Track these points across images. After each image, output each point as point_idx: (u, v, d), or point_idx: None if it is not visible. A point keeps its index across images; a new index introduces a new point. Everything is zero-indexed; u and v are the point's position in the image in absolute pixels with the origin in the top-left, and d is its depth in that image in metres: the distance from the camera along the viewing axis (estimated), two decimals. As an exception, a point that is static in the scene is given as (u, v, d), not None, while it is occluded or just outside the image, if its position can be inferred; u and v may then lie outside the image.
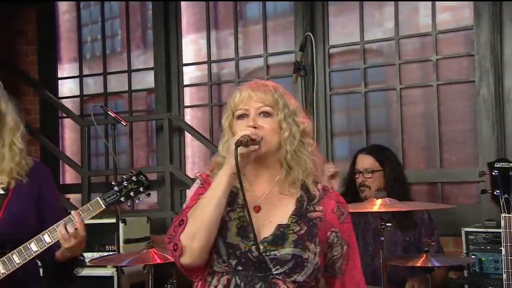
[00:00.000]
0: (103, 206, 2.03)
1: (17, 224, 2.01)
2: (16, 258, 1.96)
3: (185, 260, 1.56)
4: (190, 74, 4.62)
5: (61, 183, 4.98)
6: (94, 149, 4.90)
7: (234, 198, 1.63)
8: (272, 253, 1.57)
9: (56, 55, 5.07)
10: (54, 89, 4.98)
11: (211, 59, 4.49)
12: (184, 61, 4.57)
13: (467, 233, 3.15)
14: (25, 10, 4.93)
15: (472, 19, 3.70)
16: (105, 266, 3.47)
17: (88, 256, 2.84)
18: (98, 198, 2.04)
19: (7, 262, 1.96)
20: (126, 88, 4.78)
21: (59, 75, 5.07)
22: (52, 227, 1.98)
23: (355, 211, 2.80)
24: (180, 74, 4.55)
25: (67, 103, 4.92)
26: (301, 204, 1.64)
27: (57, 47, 5.09)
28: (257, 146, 1.57)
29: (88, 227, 2.03)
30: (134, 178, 2.06)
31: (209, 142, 4.31)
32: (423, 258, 2.57)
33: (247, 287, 1.57)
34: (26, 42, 4.97)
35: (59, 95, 5.01)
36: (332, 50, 4.12)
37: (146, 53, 4.82)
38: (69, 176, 5.04)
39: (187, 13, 4.65)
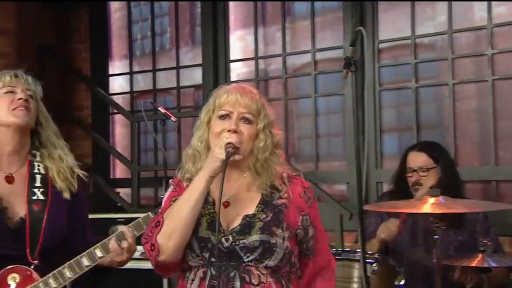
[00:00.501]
0: None
1: (58, 232, 1.96)
2: (68, 273, 1.91)
3: (161, 258, 1.64)
4: (237, 71, 4.61)
5: (111, 177, 5.06)
6: (143, 144, 4.95)
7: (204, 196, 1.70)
8: (241, 242, 1.66)
9: (108, 53, 5.16)
10: (106, 85, 5.07)
11: (259, 55, 4.46)
12: (232, 58, 4.56)
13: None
14: (78, 9, 5.04)
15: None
16: (146, 259, 3.47)
17: (138, 249, 2.85)
18: (150, 214, 2.00)
19: (58, 276, 1.91)
20: (175, 85, 4.81)
21: (110, 72, 5.16)
22: (103, 241, 1.95)
23: (408, 211, 2.74)
24: (227, 71, 4.55)
25: (117, 99, 4.99)
26: (267, 194, 1.72)
27: (109, 44, 5.18)
28: (241, 156, 1.65)
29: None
30: None
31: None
32: (479, 258, 2.44)
33: (222, 276, 1.65)
34: (79, 40, 5.08)
35: (110, 92, 5.09)
36: (381, 45, 4.02)
37: (194, 50, 4.84)
38: (119, 170, 5.11)
39: (235, 10, 4.63)
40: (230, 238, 1.67)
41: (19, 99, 1.93)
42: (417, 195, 2.83)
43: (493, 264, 2.41)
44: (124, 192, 4.77)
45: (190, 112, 4.78)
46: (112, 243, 1.94)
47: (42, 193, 1.95)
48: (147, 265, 3.45)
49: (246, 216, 1.70)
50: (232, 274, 1.65)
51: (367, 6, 4.00)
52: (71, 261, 1.92)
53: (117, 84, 5.16)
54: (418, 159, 2.95)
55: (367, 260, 2.29)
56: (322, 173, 4.18)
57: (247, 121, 1.71)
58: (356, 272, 2.44)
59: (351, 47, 2.44)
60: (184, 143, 4.79)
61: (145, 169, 4.63)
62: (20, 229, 1.88)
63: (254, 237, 1.66)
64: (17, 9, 4.33)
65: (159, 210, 1.77)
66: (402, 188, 2.99)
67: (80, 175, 2.05)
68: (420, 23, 3.90)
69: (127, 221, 2.15)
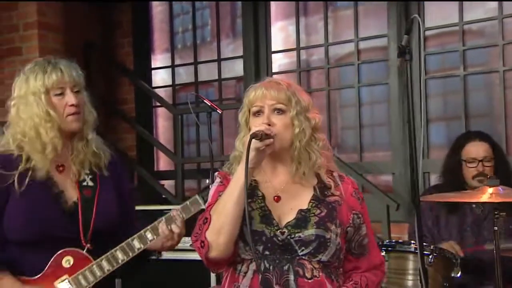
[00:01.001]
0: (202, 204, 1.97)
1: (109, 217, 2.00)
2: (120, 255, 1.95)
3: (212, 255, 1.64)
4: (279, 62, 4.59)
5: (155, 169, 5.10)
6: (186, 136, 4.95)
7: (253, 191, 1.74)
8: (296, 235, 1.67)
9: (150, 46, 5.18)
10: (148, 79, 5.09)
11: (300, 46, 4.42)
12: (273, 49, 4.53)
13: None
14: (121, 3, 5.07)
15: None
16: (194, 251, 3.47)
17: (186, 240, 2.84)
18: (197, 196, 1.99)
19: (111, 259, 1.95)
20: (216, 77, 4.80)
21: (153, 66, 5.18)
22: (153, 224, 1.97)
23: (467, 201, 2.64)
24: (269, 62, 4.52)
25: (160, 92, 5.01)
26: (319, 191, 1.74)
27: (151, 38, 5.20)
28: (271, 140, 1.64)
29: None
30: None
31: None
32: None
33: (276, 269, 1.65)
34: (122, 34, 5.12)
35: (153, 85, 5.12)
36: (428, 33, 3.93)
37: (235, 42, 4.83)
38: (163, 163, 5.15)
39: (276, 1, 4.58)
40: (286, 231, 1.68)
41: (71, 105, 1.94)
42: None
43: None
44: (168, 184, 4.81)
45: (232, 104, 4.76)
46: (161, 225, 1.95)
47: (91, 179, 2.01)
48: (195, 256, 3.50)
49: (301, 210, 1.71)
50: (286, 268, 1.66)
51: (412, -10, 3.91)
52: (123, 243, 1.95)
53: (159, 78, 5.19)
54: (481, 149, 2.85)
55: (424, 252, 2.22)
56: (366, 164, 4.13)
57: (280, 111, 1.72)
58: (411, 264, 2.39)
59: (405, 35, 2.36)
60: (226, 135, 4.79)
61: (189, 161, 4.65)
62: (74, 213, 1.95)
63: (310, 231, 1.67)
64: (64, 7, 4.39)
65: (206, 204, 1.77)
66: (455, 181, 2.90)
67: (106, 161, 2.05)
68: (468, 9, 3.78)
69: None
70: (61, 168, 2.00)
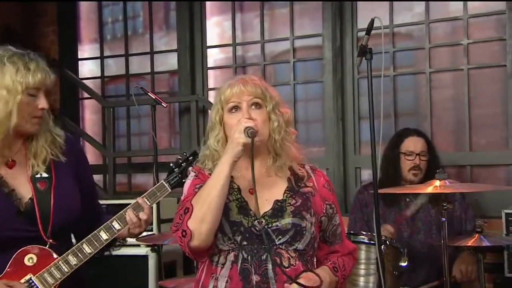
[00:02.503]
0: (169, 189, 2.02)
1: (68, 207, 1.96)
2: (87, 248, 1.94)
3: (195, 243, 1.72)
4: (214, 57, 4.70)
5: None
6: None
7: (229, 184, 1.79)
8: (273, 224, 1.78)
9: (76, 36, 5.14)
10: (75, 70, 5.05)
11: (236, 42, 4.56)
12: (209, 43, 4.65)
13: (507, 214, 3.26)
14: (46, -10, 5.00)
15: (504, 4, 3.83)
16: (139, 246, 3.57)
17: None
18: (163, 181, 2.03)
19: (78, 253, 1.93)
20: (149, 70, 4.85)
21: (80, 56, 5.14)
22: (119, 213, 1.99)
23: (419, 192, 2.91)
24: (204, 56, 4.63)
25: (88, 84, 4.98)
26: (293, 182, 1.85)
27: (78, 27, 5.16)
28: (261, 138, 1.76)
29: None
30: (191, 158, 2.07)
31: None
32: (475, 238, 2.66)
33: (254, 259, 1.75)
34: (46, 23, 5.04)
35: (80, 76, 5.08)
36: (360, 34, 4.19)
37: (169, 35, 4.89)
38: (89, 156, 5.07)
39: (212, -5, 4.71)
40: (263, 221, 1.78)
41: (41, 108, 1.89)
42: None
43: (488, 244, 2.63)
44: (96, 178, 4.78)
45: (165, 98, 4.85)
46: (129, 214, 1.97)
47: (45, 170, 1.94)
48: (134, 251, 3.58)
49: (277, 201, 1.82)
50: (264, 257, 1.75)
51: (344, -9, 4.17)
52: (89, 236, 1.95)
53: (87, 69, 5.15)
54: (418, 144, 3.18)
55: (373, 242, 2.48)
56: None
57: (257, 105, 1.83)
58: (363, 254, 2.64)
59: (366, 36, 2.58)
60: (158, 129, 4.87)
61: (120, 155, 4.68)
62: (30, 210, 1.89)
63: (287, 220, 1.79)
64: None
65: (182, 197, 1.84)
66: (395, 174, 3.18)
67: (62, 144, 1.99)
68: (398, 12, 4.14)
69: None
70: (11, 164, 1.94)
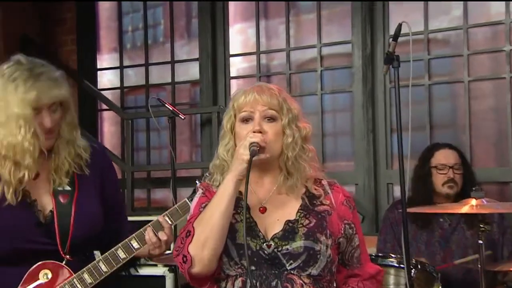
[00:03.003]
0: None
1: (89, 223, 1.94)
2: (103, 267, 1.92)
3: (196, 270, 1.63)
4: (237, 66, 4.60)
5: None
6: (134, 143, 4.87)
7: (236, 202, 1.69)
8: (284, 248, 1.66)
9: (96, 45, 5.09)
10: (93, 80, 4.99)
11: (260, 50, 4.45)
12: (231, 52, 4.54)
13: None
14: (64, -2, 4.96)
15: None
16: (156, 265, 3.45)
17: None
18: (186, 200, 1.99)
19: (93, 271, 1.91)
20: (169, 80, 4.77)
21: (99, 66, 5.08)
22: (139, 231, 1.96)
23: (452, 212, 2.75)
24: (226, 65, 4.53)
25: (106, 95, 4.92)
26: (307, 200, 1.74)
27: (97, 36, 5.11)
28: (267, 155, 1.66)
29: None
30: None
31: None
32: (515, 265, 2.47)
33: (263, 285, 1.64)
34: (65, 31, 5.00)
35: (99, 87, 5.02)
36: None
37: (190, 43, 4.81)
38: None
39: (235, 1, 4.61)
40: (272, 244, 1.67)
41: (47, 128, 1.84)
42: None
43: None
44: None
45: (186, 109, 4.76)
46: (148, 233, 1.93)
47: (68, 183, 1.92)
48: (151, 271, 3.46)
49: (288, 221, 1.71)
50: (273, 284, 1.64)
51: (375, -4, 4.03)
52: (106, 253, 1.92)
53: (106, 79, 5.10)
54: (451, 156, 3.02)
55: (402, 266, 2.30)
56: (328, 174, 3.94)
57: (271, 119, 1.72)
58: (392, 278, 2.46)
59: (393, 42, 2.46)
60: (179, 142, 4.76)
61: (140, 169, 4.58)
62: (50, 223, 1.88)
63: (299, 243, 1.67)
64: (-4, -3, 4.26)
65: (188, 216, 1.77)
66: (426, 191, 3.02)
67: (87, 157, 1.96)
68: (433, 17, 3.94)
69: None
70: (35, 175, 1.90)
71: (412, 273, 2.40)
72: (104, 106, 4.95)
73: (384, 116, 4.03)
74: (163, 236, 1.94)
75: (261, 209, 1.73)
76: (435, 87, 3.96)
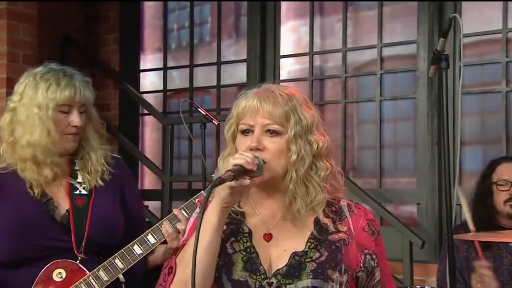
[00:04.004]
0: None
1: (106, 226, 2.02)
2: (119, 263, 1.96)
3: None
4: (288, 68, 4.52)
5: (139, 188, 4.91)
6: (177, 151, 4.82)
7: (237, 226, 1.58)
8: (288, 287, 1.50)
9: (139, 45, 5.06)
10: (136, 82, 4.96)
11: (314, 50, 4.33)
12: (282, 53, 4.45)
13: None
14: (108, -5, 4.96)
15: None
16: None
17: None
18: (203, 192, 2.01)
19: (109, 268, 1.96)
20: (215, 83, 4.69)
21: (141, 67, 5.06)
22: (155, 226, 1.99)
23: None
24: (276, 67, 4.45)
25: (149, 98, 4.87)
26: (317, 228, 1.56)
27: (141, 35, 5.09)
28: (248, 181, 1.47)
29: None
30: None
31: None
32: None
33: None
34: (108, 30, 4.98)
35: (141, 89, 4.99)
36: (465, 40, 3.78)
37: (238, 43, 4.74)
38: (148, 180, 4.99)
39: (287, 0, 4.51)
40: (274, 281, 1.51)
41: (74, 125, 2.00)
42: None
43: None
44: (153, 206, 4.62)
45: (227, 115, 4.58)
46: (164, 226, 1.96)
47: (85, 188, 2.03)
48: None
49: (295, 254, 1.53)
50: None
51: (447, -10, 3.83)
52: (122, 250, 1.97)
53: (149, 81, 5.08)
54: None
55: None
56: (387, 191, 4.01)
57: (274, 133, 1.53)
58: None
59: (442, 39, 2.27)
60: (222, 150, 4.61)
61: (178, 179, 4.47)
62: (65, 221, 1.98)
63: (305, 282, 1.50)
64: (40, -6, 4.27)
65: (180, 242, 1.67)
66: (485, 208, 2.84)
67: (110, 167, 2.09)
68: (513, 14, 3.68)
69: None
70: (53, 177, 2.02)
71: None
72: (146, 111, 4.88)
73: (453, 127, 3.75)
74: (180, 226, 1.95)
75: (266, 236, 1.56)
76: (514, 95, 3.71)
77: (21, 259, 1.93)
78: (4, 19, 3.98)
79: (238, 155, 1.46)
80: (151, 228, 1.98)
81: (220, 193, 1.46)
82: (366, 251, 1.57)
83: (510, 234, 2.40)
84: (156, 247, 2.00)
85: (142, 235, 1.97)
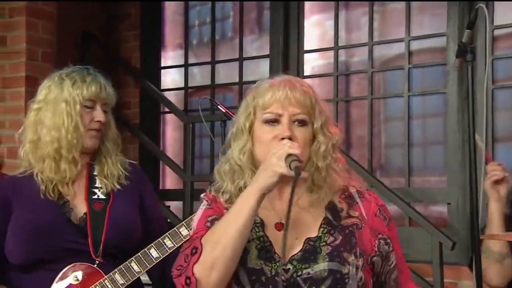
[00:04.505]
0: None
1: (124, 230, 2.06)
2: (136, 267, 2.00)
3: None
4: (312, 63, 4.49)
5: (160, 188, 4.92)
6: (198, 150, 4.84)
7: None
8: (304, 271, 1.54)
9: (160, 41, 5.08)
10: (157, 80, 4.99)
11: (339, 45, 4.31)
12: (306, 47, 4.44)
13: None
14: (128, -8, 4.99)
15: None
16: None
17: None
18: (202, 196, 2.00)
19: (125, 271, 1.99)
20: (237, 79, 4.69)
21: (163, 64, 5.08)
22: (172, 230, 2.00)
23: None
24: (300, 63, 4.43)
25: (170, 96, 4.90)
26: (331, 212, 1.63)
27: (162, 32, 5.10)
28: (306, 174, 1.53)
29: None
30: None
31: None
32: None
33: None
34: (128, 26, 5.02)
35: (162, 87, 5.02)
36: (497, 32, 3.75)
37: (261, 39, 4.73)
38: (170, 180, 5.00)
39: (312, -8, 4.51)
40: (290, 267, 1.55)
41: (98, 121, 2.07)
42: None
43: None
44: (175, 206, 4.65)
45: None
46: (183, 231, 1.98)
47: (103, 193, 2.08)
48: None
49: (309, 239, 1.58)
50: None
51: (478, -18, 3.72)
52: (138, 253, 2.00)
53: (170, 78, 5.09)
54: None
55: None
56: (416, 191, 3.97)
57: (302, 122, 1.60)
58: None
59: (468, 30, 2.23)
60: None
61: (199, 179, 4.47)
62: (82, 224, 2.02)
63: (322, 265, 1.54)
64: (60, -10, 4.31)
65: (192, 231, 1.66)
66: None
67: (127, 172, 2.14)
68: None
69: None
70: (71, 181, 2.08)
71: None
72: (167, 108, 4.88)
73: (485, 123, 3.67)
74: None
75: (278, 225, 1.60)
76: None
77: (36, 261, 1.97)
78: (23, 16, 4.03)
79: (290, 145, 1.50)
80: (168, 232, 2.00)
81: (267, 179, 1.49)
82: (380, 235, 1.62)
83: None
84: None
85: (159, 238, 2.01)
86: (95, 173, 2.11)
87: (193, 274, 1.49)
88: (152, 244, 2.00)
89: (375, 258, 1.61)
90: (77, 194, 2.08)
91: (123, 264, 1.99)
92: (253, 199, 1.50)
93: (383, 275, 1.65)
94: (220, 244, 1.49)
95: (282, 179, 1.50)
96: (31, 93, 2.22)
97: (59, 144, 2.02)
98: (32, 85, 3.81)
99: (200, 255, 1.50)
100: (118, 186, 2.09)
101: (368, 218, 1.64)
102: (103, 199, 2.07)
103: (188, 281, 1.50)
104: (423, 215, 3.60)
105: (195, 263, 1.50)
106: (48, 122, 2.03)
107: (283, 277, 1.54)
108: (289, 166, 1.47)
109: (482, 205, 3.02)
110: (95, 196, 2.07)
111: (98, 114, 2.06)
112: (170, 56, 5.10)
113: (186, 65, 4.92)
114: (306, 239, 1.58)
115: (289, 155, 1.48)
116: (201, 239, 1.54)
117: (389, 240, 1.64)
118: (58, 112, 2.02)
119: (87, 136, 2.06)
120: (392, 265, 1.65)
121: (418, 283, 3.32)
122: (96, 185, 2.09)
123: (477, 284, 2.03)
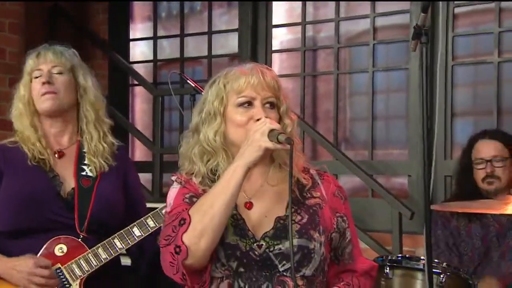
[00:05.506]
0: None
1: (109, 208, 2.18)
2: (118, 243, 2.12)
3: (189, 262, 1.62)
4: (280, 38, 4.56)
5: (129, 160, 5.02)
6: (168, 122, 4.92)
7: None
8: (276, 247, 1.67)
9: (128, 14, 5.12)
10: (125, 52, 5.04)
11: (306, 20, 4.39)
12: (274, 22, 4.51)
13: None
14: (95, -37, 5.00)
15: None
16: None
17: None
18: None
19: (108, 247, 2.11)
20: (206, 53, 4.76)
21: (131, 36, 5.12)
22: (155, 211, 2.14)
23: (487, 212, 2.67)
24: (268, 37, 4.50)
25: (139, 68, 4.96)
26: (298, 192, 1.75)
27: (130, 4, 5.14)
28: (289, 146, 1.62)
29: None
30: None
31: (301, 119, 4.17)
32: None
33: None
34: (97, -1, 5.04)
35: (131, 60, 5.06)
36: (457, 10, 3.88)
37: (230, 12, 4.78)
38: (139, 152, 5.09)
39: (279, -36, 4.54)
40: (263, 244, 1.68)
41: (43, 83, 2.16)
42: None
43: None
44: (145, 178, 4.72)
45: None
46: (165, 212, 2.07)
47: (91, 170, 2.20)
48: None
49: (279, 218, 1.71)
50: (264, 286, 1.66)
51: (437, -43, 3.87)
52: (121, 231, 2.13)
53: (139, 51, 5.14)
54: (491, 148, 2.92)
55: (434, 270, 2.18)
56: (378, 163, 4.11)
57: (272, 105, 1.73)
58: (419, 284, 2.32)
59: (422, 14, 2.34)
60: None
61: (169, 151, 4.58)
62: (70, 198, 2.14)
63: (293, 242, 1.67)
64: (26, -38, 4.32)
65: (169, 208, 1.73)
66: (469, 185, 2.96)
67: (115, 150, 2.25)
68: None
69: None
70: (60, 154, 2.21)
71: (442, 278, 2.24)
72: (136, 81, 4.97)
73: (444, 99, 3.87)
74: None
75: (247, 204, 1.72)
76: (506, 65, 3.77)
77: (24, 229, 2.09)
78: (-11, -12, 4.04)
79: (270, 121, 1.64)
80: (151, 213, 2.13)
81: (252, 154, 1.61)
82: (338, 214, 1.77)
83: (494, 205, 2.55)
84: None
85: (142, 218, 2.14)
86: (84, 150, 2.21)
87: (182, 242, 1.59)
88: (135, 223, 2.13)
89: (334, 234, 1.76)
90: (66, 169, 2.19)
91: (106, 240, 2.11)
92: (239, 172, 1.61)
93: (340, 249, 1.79)
94: (208, 214, 1.60)
95: (265, 153, 1.63)
96: (-2, 63, 2.35)
97: (20, 118, 2.18)
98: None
99: (189, 225, 1.61)
100: (106, 166, 2.19)
101: (328, 197, 1.78)
102: (90, 177, 2.18)
103: (177, 250, 1.59)
104: (385, 187, 3.73)
105: (184, 232, 1.60)
106: (15, 100, 2.22)
107: (256, 252, 1.67)
108: (277, 138, 1.60)
109: (434, 177, 3.23)
110: (84, 173, 2.18)
111: (43, 78, 2.15)
112: (139, 28, 5.14)
113: (155, 38, 4.97)
114: (276, 217, 1.70)
115: (272, 130, 1.61)
116: (188, 211, 1.64)
117: (345, 218, 1.78)
118: (18, 88, 2.22)
119: (40, 101, 2.16)
120: (347, 240, 1.79)
121: (378, 251, 3.53)
122: (85, 162, 2.20)
123: (426, 249, 2.18)
